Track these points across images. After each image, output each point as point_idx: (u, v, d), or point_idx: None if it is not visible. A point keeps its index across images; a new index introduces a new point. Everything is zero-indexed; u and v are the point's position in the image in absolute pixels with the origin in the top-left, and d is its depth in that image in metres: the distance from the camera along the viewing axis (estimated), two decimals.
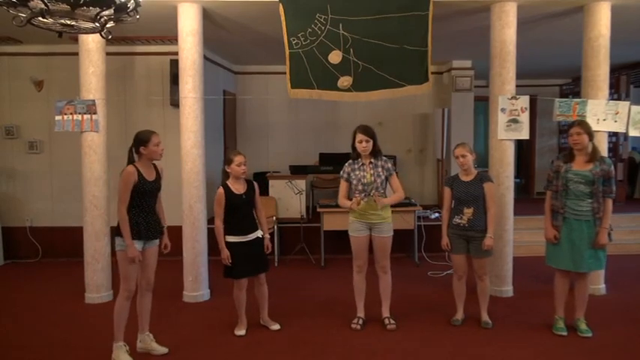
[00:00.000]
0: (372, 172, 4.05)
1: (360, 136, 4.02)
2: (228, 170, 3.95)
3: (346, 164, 4.16)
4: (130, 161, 3.58)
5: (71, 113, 4.88)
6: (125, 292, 3.54)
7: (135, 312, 3.71)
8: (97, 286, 4.98)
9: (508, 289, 5.04)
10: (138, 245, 3.50)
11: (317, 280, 5.71)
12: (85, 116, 4.88)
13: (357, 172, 4.06)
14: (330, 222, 6.10)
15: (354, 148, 4.09)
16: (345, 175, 4.12)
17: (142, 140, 3.54)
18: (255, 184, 4.09)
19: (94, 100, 4.89)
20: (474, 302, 4.32)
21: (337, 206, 6.07)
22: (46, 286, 5.56)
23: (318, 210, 6.27)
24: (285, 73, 4.86)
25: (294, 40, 4.75)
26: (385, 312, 4.21)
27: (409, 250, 6.49)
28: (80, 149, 5.00)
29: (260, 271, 4.08)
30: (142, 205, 3.53)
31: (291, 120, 8.71)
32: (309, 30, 4.73)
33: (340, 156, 7.86)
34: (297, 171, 7.46)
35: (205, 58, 5.22)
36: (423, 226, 6.49)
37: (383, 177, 4.09)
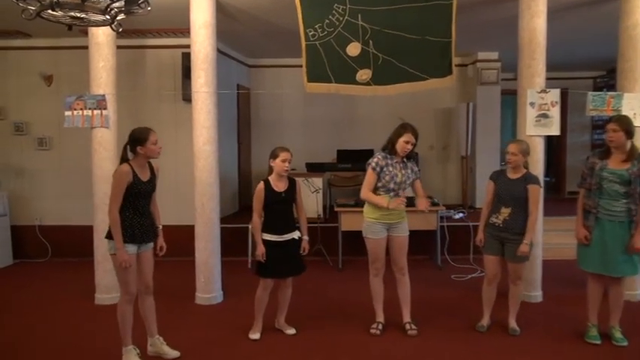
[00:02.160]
0: (403, 172, 4.04)
1: (408, 137, 3.98)
2: (272, 165, 3.97)
3: (379, 155, 4.05)
4: (124, 160, 3.54)
5: (81, 109, 4.96)
6: (125, 296, 3.54)
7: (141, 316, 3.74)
8: (107, 287, 5.05)
9: (537, 295, 4.98)
10: (132, 249, 3.49)
11: (334, 282, 5.71)
12: (95, 112, 4.95)
13: (391, 169, 4.02)
14: (349, 222, 6.08)
15: (391, 142, 4.03)
16: (378, 169, 4.02)
17: (138, 139, 3.51)
18: (298, 183, 4.10)
19: (104, 95, 4.96)
20: (501, 307, 4.27)
21: (356, 205, 6.11)
22: (56, 286, 5.66)
23: (336, 209, 6.26)
24: (301, 66, 4.86)
25: (310, 31, 4.74)
26: (406, 317, 4.19)
27: (431, 252, 6.45)
28: (90, 146, 5.07)
29: (292, 274, 4.09)
30: (136, 207, 3.51)
31: (307, 115, 8.72)
32: (327, 21, 4.72)
33: (359, 152, 7.90)
34: (314, 168, 7.46)
35: (218, 51, 5.24)
36: (446, 226, 6.44)
37: (410, 179, 4.08)
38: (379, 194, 4.03)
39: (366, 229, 4.09)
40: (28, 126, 6.95)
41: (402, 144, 3.98)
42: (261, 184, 3.97)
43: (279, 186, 3.98)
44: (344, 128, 8.66)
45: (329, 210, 7.47)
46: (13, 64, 6.93)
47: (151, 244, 3.67)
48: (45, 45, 6.80)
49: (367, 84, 4.83)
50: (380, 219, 4.02)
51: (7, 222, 6.72)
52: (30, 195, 7.00)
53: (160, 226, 3.72)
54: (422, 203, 4.02)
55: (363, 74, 4.79)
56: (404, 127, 4.02)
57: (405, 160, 4.08)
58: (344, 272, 6.11)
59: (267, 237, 3.94)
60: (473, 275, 5.85)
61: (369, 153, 7.54)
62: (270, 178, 4.00)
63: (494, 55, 8.22)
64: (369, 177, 4.03)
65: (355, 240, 6.21)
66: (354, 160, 7.82)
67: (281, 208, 3.97)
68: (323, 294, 5.27)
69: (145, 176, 3.56)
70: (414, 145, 4.02)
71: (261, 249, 3.92)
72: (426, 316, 4.46)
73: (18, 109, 6.96)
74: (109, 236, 3.47)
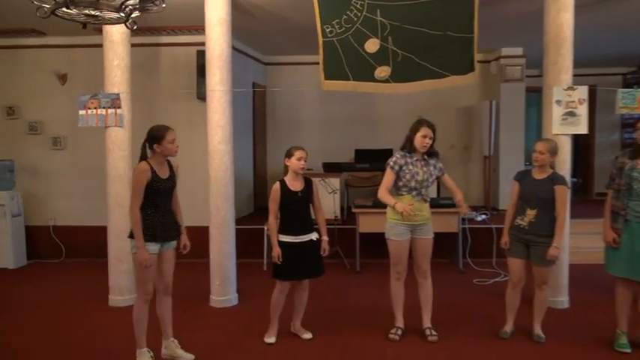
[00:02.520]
0: (424, 169, 4.02)
1: (425, 131, 3.97)
2: (287, 164, 3.99)
3: (398, 155, 4.05)
4: (143, 157, 3.61)
5: (95, 108, 5.03)
6: (142, 295, 3.60)
7: (157, 317, 3.78)
8: (120, 289, 5.12)
9: (563, 300, 4.91)
10: (154, 247, 3.54)
11: (352, 286, 5.71)
12: (109, 111, 5.02)
13: (411, 167, 4.01)
14: (367, 224, 6.07)
15: (410, 140, 4.03)
16: (397, 168, 4.01)
17: (156, 137, 3.57)
18: (314, 183, 4.12)
19: (118, 94, 5.02)
20: (526, 313, 4.22)
21: (374, 206, 6.10)
22: (69, 287, 5.75)
23: (354, 210, 6.25)
24: (318, 63, 4.87)
25: (328, 28, 4.75)
26: (426, 322, 4.17)
27: (452, 255, 6.40)
28: (104, 145, 5.14)
29: (310, 276, 4.10)
30: (157, 205, 3.56)
31: (324, 114, 8.73)
32: (345, 17, 4.72)
33: (377, 152, 7.89)
34: (331, 168, 7.47)
35: (234, 48, 5.28)
36: (467, 229, 6.39)
37: (434, 177, 4.06)
38: (401, 194, 4.02)
39: (389, 231, 4.08)
40: (42, 125, 7.08)
41: (420, 139, 3.97)
42: (277, 184, 3.99)
43: (296, 186, 3.99)
44: (362, 127, 8.65)
45: (346, 211, 7.46)
46: (27, 62, 7.05)
47: (174, 243, 3.71)
48: (59, 43, 6.92)
49: (386, 81, 4.82)
50: (402, 220, 3.99)
51: (21, 222, 6.84)
52: (44, 195, 7.12)
53: (183, 225, 3.77)
54: (462, 208, 4.01)
55: (382, 71, 4.78)
56: (419, 122, 4.02)
57: (426, 157, 4.06)
58: (362, 275, 6.10)
59: (284, 238, 3.96)
60: (496, 279, 5.79)
61: (388, 153, 7.52)
62: (285, 178, 4.02)
63: (519, 50, 8.14)
64: (387, 176, 4.04)
65: (373, 242, 6.20)
66: (373, 159, 7.80)
67: (297, 209, 3.98)
68: (340, 297, 5.27)
69: (164, 174, 3.60)
70: (433, 140, 4.00)
71: (276, 250, 3.93)
72: (446, 322, 4.43)
73: (32, 109, 7.09)
74: (132, 235, 3.52)
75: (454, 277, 5.98)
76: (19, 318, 4.76)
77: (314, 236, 4.03)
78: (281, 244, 3.95)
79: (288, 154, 3.99)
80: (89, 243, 6.76)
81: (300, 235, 3.97)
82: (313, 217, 4.12)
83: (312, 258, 4.02)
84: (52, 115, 7.03)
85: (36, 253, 7.00)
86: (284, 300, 4.10)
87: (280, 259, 3.92)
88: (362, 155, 8.10)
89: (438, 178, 4.11)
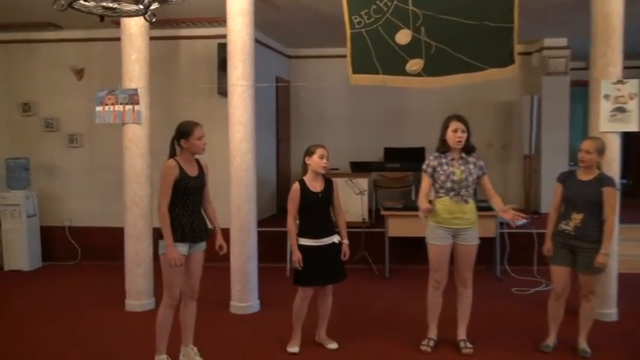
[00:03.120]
0: (462, 168, 3.98)
1: (455, 124, 3.95)
2: (307, 162, 4.02)
3: (431, 157, 4.06)
4: (172, 154, 3.71)
5: (112, 104, 5.13)
6: (169, 299, 3.66)
7: (178, 323, 3.83)
8: (137, 293, 5.20)
9: (611, 312, 4.81)
10: (182, 248, 3.61)
11: (380, 292, 5.69)
12: (127, 107, 5.11)
13: (445, 167, 3.99)
14: (396, 227, 6.04)
15: (443, 140, 4.01)
16: (430, 170, 4.02)
17: (183, 132, 3.65)
18: (335, 183, 4.15)
19: (136, 89, 5.11)
20: (570, 326, 4.14)
21: (404, 209, 6.08)
22: (85, 290, 5.88)
23: (382, 213, 6.24)
24: (345, 56, 4.87)
25: (356, 18, 4.74)
26: (461, 334, 4.13)
27: (489, 261, 6.32)
28: (121, 143, 5.23)
29: (333, 281, 4.11)
30: (186, 204, 3.64)
31: (352, 110, 8.73)
32: (374, 7, 4.71)
33: (408, 151, 7.86)
34: (359, 168, 7.45)
35: (256, 41, 5.31)
36: (506, 234, 6.30)
37: (474, 176, 4.01)
38: (440, 196, 4.00)
39: (429, 234, 4.07)
40: (58, 122, 7.25)
41: (451, 135, 3.95)
42: (296, 185, 4.01)
43: (316, 186, 4.01)
44: (392, 124, 8.61)
45: (375, 213, 7.44)
46: (43, 57, 7.23)
47: (203, 245, 3.77)
48: (76, 37, 7.08)
49: (418, 75, 4.80)
50: (443, 223, 3.97)
51: (36, 223, 7.02)
52: (60, 194, 7.29)
53: (218, 225, 3.84)
54: (508, 214, 3.90)
55: (414, 64, 4.75)
56: (449, 118, 4.02)
57: (464, 155, 4.01)
58: (391, 281, 6.08)
59: (304, 242, 3.98)
60: (537, 289, 5.70)
61: (420, 152, 7.49)
62: (305, 177, 4.04)
63: (563, 41, 7.99)
64: (423, 182, 4.08)
65: (403, 247, 6.18)
66: (403, 159, 7.77)
67: (318, 210, 4.01)
68: (368, 305, 5.26)
69: (192, 171, 3.68)
70: (468, 134, 3.96)
71: (297, 255, 3.95)
72: (483, 334, 4.37)
73: (48, 105, 7.26)
74: (160, 236, 3.59)
75: (491, 285, 5.90)
76: (33, 322, 4.88)
77: (335, 239, 4.05)
78: (301, 247, 3.97)
79: (309, 153, 4.01)
80: (105, 245, 6.89)
81: (321, 238, 3.99)
82: (334, 219, 4.14)
83: (333, 262, 4.03)
84: (68, 111, 7.19)
85: (51, 255, 7.17)
86: (307, 307, 4.11)
87: (301, 264, 3.94)
88: (392, 154, 8.06)
89: (479, 177, 4.04)
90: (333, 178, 4.17)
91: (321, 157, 3.97)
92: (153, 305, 5.19)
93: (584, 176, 3.95)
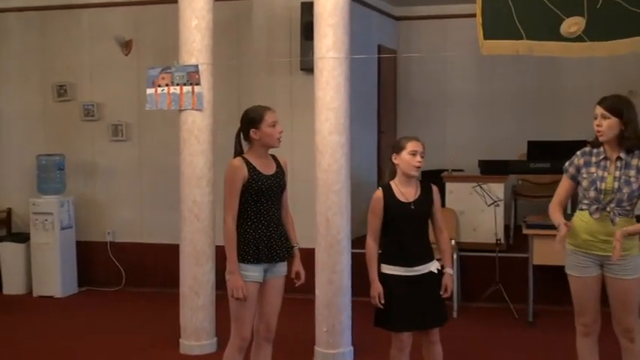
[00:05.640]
0: (617, 173, 3.82)
1: (598, 110, 3.81)
2: (395, 162, 4.01)
3: (578, 153, 3.99)
4: (238, 152, 3.82)
5: (167, 84, 5.33)
6: (237, 339, 3.76)
7: None
8: (196, 330, 5.36)
9: None
10: (256, 273, 3.69)
11: (520, 343, 5.59)
12: (185, 88, 5.29)
13: (593, 170, 3.87)
14: (545, 251, 5.86)
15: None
16: (572, 170, 3.95)
17: (251, 120, 3.74)
18: (435, 190, 4.11)
19: (197, 66, 5.28)
20: None
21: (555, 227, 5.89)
22: (129, 325, 6.15)
23: (525, 232, 6.10)
24: (473, 15, 4.82)
25: None
26: None
27: None
28: (178, 135, 5.42)
29: (432, 325, 4.06)
30: (260, 212, 3.73)
31: (482, 89, 8.63)
32: None
33: (562, 146, 7.55)
34: (491, 169, 7.30)
35: None
36: None
37: (635, 186, 3.81)
38: (581, 209, 3.91)
39: (567, 261, 3.99)
40: (100, 109, 7.58)
41: (594, 123, 3.83)
42: (379, 192, 3.99)
43: (407, 194, 3.96)
44: (539, 109, 8.43)
45: (514, 232, 7.31)
46: (82, 26, 7.59)
47: (284, 268, 3.88)
48: (123, 0, 7.42)
49: (578, 39, 4.68)
50: (584, 247, 3.85)
51: (72, 236, 7.39)
52: (101, 201, 7.65)
53: (297, 245, 3.93)
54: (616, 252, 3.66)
55: (572, 25, 4.63)
56: (599, 101, 3.84)
57: (623, 155, 3.82)
58: (537, 328, 5.95)
59: (389, 270, 3.94)
60: None
61: (578, 147, 7.17)
62: (392, 182, 4.01)
63: None
64: (562, 184, 4.03)
65: (555, 279, 5.97)
66: (555, 156, 7.49)
67: (409, 227, 3.96)
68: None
69: (267, 169, 3.78)
70: (622, 122, 3.73)
71: (376, 288, 3.91)
72: None
73: (88, 87, 7.62)
74: None
75: None
76: None
77: (434, 267, 3.99)
78: (385, 277, 3.94)
79: (397, 148, 3.97)
80: (157, 267, 7.18)
81: (414, 265, 3.94)
82: (432, 239, 4.09)
83: (432, 298, 3.98)
84: (112, 95, 7.50)
85: (89, 278, 7.52)
86: (407, 359, 4.07)
87: (382, 301, 3.92)
88: (538, 150, 7.81)
89: None
90: (432, 184, 4.12)
91: (413, 154, 3.91)
92: (215, 347, 5.34)
93: None
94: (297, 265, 3.90)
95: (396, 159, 3.98)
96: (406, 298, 3.93)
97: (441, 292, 4.00)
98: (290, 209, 4.01)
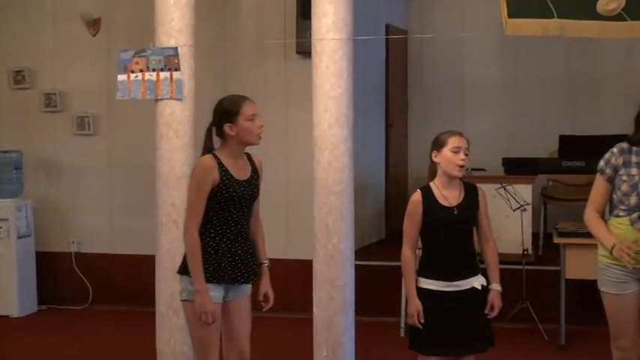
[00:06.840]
0: None
1: None
2: (435, 160, 4.00)
3: (615, 150, 4.00)
4: (208, 149, 3.74)
5: (141, 70, 5.32)
6: None
7: None
8: (174, 355, 5.33)
9: None
10: (216, 293, 3.63)
11: None
12: (162, 74, 5.27)
13: (634, 171, 3.88)
14: (580, 263, 5.87)
15: (637, 122, 3.93)
16: (609, 171, 3.97)
17: (227, 112, 3.67)
18: (482, 192, 4.10)
19: (176, 48, 5.27)
20: None
21: (590, 235, 5.90)
22: (98, 350, 6.12)
23: (556, 240, 6.10)
24: None
25: None
26: None
27: None
28: (154, 129, 5.40)
29: (473, 350, 4.07)
30: (227, 223, 3.68)
31: (506, 76, 8.65)
32: None
33: (599, 141, 7.56)
34: (517, 168, 7.32)
35: None
36: None
37: None
38: (619, 216, 3.93)
39: (600, 277, 4.00)
40: (63, 98, 7.54)
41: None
42: (417, 195, 3.97)
43: (450, 197, 3.96)
44: (573, 98, 8.48)
45: (543, 241, 7.34)
46: (45, 4, 7.56)
47: (249, 288, 3.83)
48: None
49: (618, 18, 4.70)
50: (619, 261, 3.83)
51: (31, 246, 7.35)
52: (65, 205, 7.61)
53: (267, 262, 3.89)
54: None
55: (611, 1, 4.64)
56: None
57: None
58: (569, 353, 5.97)
59: (428, 284, 3.94)
60: None
61: (619, 142, 7.23)
62: (433, 183, 4.01)
63: None
64: (596, 186, 4.03)
65: (591, 295, 5.98)
66: (591, 153, 7.48)
67: (452, 236, 3.96)
68: None
69: (241, 173, 3.72)
70: None
71: (415, 305, 3.91)
72: None
73: (50, 73, 7.60)
74: (185, 271, 3.67)
75: None
76: None
77: (477, 282, 3.99)
78: (423, 293, 3.94)
79: (437, 144, 3.96)
80: (129, 281, 7.15)
81: (456, 280, 3.94)
82: (478, 249, 4.09)
83: (474, 319, 3.98)
84: (77, 82, 7.48)
85: (51, 294, 7.48)
86: None
87: (421, 319, 3.92)
88: (572, 146, 7.84)
89: None
90: (479, 185, 4.12)
91: (456, 152, 3.90)
92: None
93: None
94: (266, 286, 3.84)
95: (436, 157, 3.96)
96: (444, 317, 3.92)
97: (486, 312, 4.00)
98: (261, 219, 3.94)
